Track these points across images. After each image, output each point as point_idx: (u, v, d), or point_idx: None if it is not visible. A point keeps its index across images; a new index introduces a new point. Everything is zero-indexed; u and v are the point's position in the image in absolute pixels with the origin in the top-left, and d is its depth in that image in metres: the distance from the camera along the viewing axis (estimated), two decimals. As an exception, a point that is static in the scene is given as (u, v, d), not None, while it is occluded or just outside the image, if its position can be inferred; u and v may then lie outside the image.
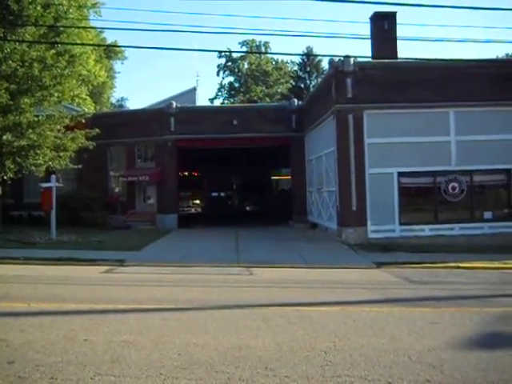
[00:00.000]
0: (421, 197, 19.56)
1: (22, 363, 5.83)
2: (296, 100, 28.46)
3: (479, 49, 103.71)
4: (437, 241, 17.77)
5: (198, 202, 37.85)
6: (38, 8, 21.15)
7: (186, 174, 37.13)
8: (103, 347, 6.47)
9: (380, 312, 8.72)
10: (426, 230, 18.49)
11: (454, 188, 18.73)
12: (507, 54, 46.42)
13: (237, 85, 66.36)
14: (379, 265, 14.25)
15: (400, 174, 18.59)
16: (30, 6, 21.00)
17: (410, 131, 18.52)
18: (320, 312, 8.61)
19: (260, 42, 64.08)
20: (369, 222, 18.37)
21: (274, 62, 65.93)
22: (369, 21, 21.85)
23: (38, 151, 21.38)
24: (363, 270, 13.77)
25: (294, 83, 56.21)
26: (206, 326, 7.57)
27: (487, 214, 18.84)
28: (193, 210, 36.78)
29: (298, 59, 56.18)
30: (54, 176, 20.70)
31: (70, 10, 22.65)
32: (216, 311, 8.59)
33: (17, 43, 20.46)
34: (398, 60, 20.64)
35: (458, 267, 13.92)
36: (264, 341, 6.82)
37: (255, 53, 65.83)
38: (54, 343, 6.63)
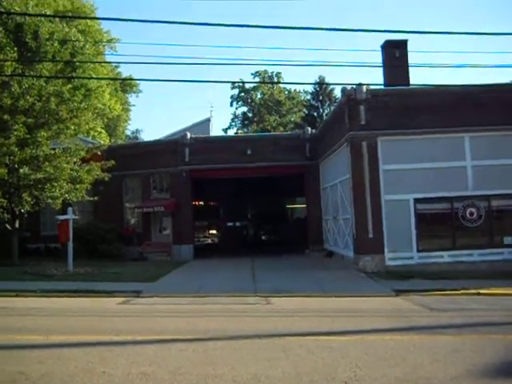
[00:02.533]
0: (438, 223, 19.34)
1: (40, 396, 5.80)
2: (309, 128, 28.63)
3: (491, 74, 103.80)
4: (456, 267, 17.54)
5: (214, 232, 37.43)
6: (55, 44, 21.71)
7: (202, 203, 36.89)
8: (121, 379, 6.43)
9: (401, 340, 8.56)
10: (444, 257, 18.25)
11: (471, 213, 18.55)
12: (520, 79, 46.38)
13: (250, 115, 66.91)
14: (398, 293, 14.05)
15: (416, 201, 18.45)
16: (48, 43, 21.57)
17: (425, 157, 18.46)
18: (340, 341, 8.49)
19: (272, 72, 64.73)
20: (386, 250, 18.20)
21: (286, 92, 66.50)
22: (380, 49, 21.99)
23: (55, 184, 21.63)
24: (382, 298, 13.59)
25: (306, 112, 56.50)
26: (224, 357, 7.49)
27: (507, 240, 18.55)
28: (209, 241, 36.29)
29: (310, 88, 56.50)
30: (70, 208, 20.85)
31: (87, 46, 23.27)
32: (234, 341, 8.51)
33: (34, 79, 20.93)
34: (411, 87, 20.71)
35: (479, 294, 13.68)
36: (283, 371, 6.73)
37: (268, 83, 66.36)
38: (72, 375, 6.59)
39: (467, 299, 13.15)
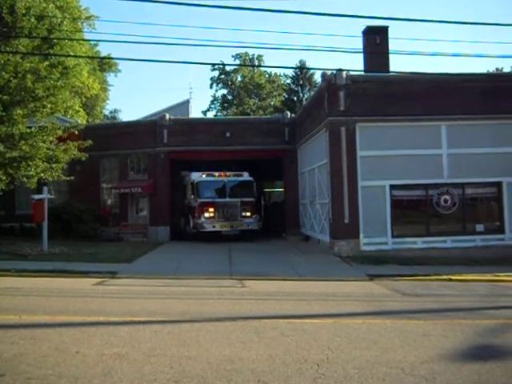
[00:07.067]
0: (413, 209, 19.62)
1: (13, 376, 5.77)
2: (289, 113, 28.59)
3: (470, 63, 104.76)
4: (429, 253, 17.82)
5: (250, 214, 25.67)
6: (32, 20, 21.17)
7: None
8: (95, 360, 6.43)
9: (373, 324, 8.71)
10: (418, 243, 18.51)
11: (446, 201, 18.82)
12: (497, 68, 46.88)
13: (230, 97, 66.48)
14: (372, 277, 14.26)
15: (392, 187, 18.65)
16: (24, 18, 21.03)
17: (402, 144, 18.62)
18: (313, 324, 8.59)
19: (253, 55, 64.34)
20: (361, 235, 18.39)
21: (267, 75, 66.17)
22: (361, 35, 22.02)
23: (30, 163, 21.26)
24: (356, 283, 13.77)
25: (286, 96, 56.38)
26: (199, 339, 7.54)
27: (479, 227, 18.92)
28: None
29: (290, 72, 56.44)
30: (46, 188, 20.60)
31: (64, 23, 22.68)
32: (208, 323, 8.56)
33: (10, 54, 20.46)
34: (390, 74, 20.80)
35: (450, 280, 13.96)
36: (257, 353, 6.80)
37: (248, 66, 66.02)
38: (45, 356, 6.57)
39: (439, 285, 13.41)
